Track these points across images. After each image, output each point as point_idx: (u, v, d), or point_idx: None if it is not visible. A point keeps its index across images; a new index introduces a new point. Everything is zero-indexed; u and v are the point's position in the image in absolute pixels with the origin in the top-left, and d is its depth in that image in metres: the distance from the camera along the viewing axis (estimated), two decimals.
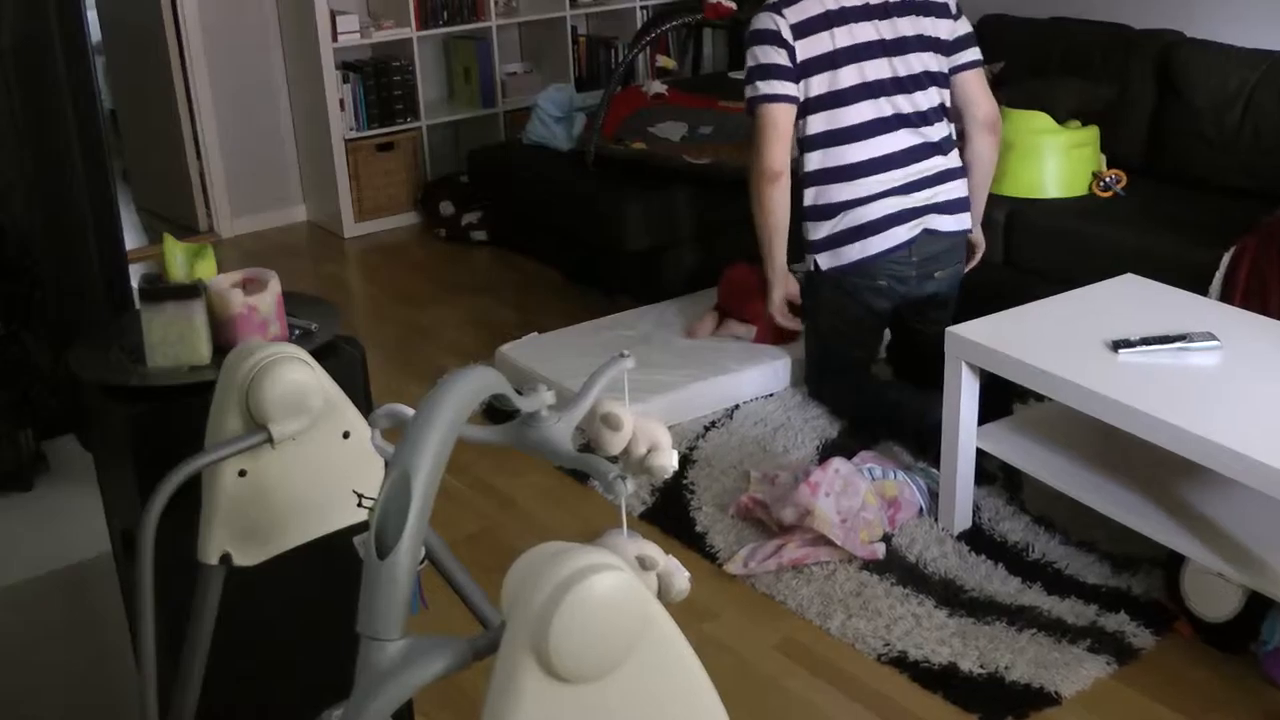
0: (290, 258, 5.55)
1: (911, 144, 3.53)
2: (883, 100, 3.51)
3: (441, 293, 5.07)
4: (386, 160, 5.83)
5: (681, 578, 1.39)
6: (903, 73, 3.51)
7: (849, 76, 3.49)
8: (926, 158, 3.55)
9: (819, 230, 3.58)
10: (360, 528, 1.76)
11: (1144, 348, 2.85)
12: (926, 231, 3.55)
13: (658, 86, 5.19)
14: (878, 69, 3.50)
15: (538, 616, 1.07)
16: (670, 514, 3.31)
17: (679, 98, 5.21)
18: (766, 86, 3.50)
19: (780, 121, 3.51)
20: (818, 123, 3.52)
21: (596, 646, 1.08)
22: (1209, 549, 2.66)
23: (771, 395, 3.94)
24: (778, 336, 4.09)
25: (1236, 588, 2.61)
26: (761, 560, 3.04)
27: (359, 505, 1.76)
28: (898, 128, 3.52)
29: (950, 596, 2.92)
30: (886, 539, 3.13)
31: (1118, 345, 2.87)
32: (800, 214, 3.63)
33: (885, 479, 3.23)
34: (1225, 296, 3.52)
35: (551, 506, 3.41)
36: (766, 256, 3.68)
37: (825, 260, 3.60)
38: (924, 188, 3.55)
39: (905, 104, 3.52)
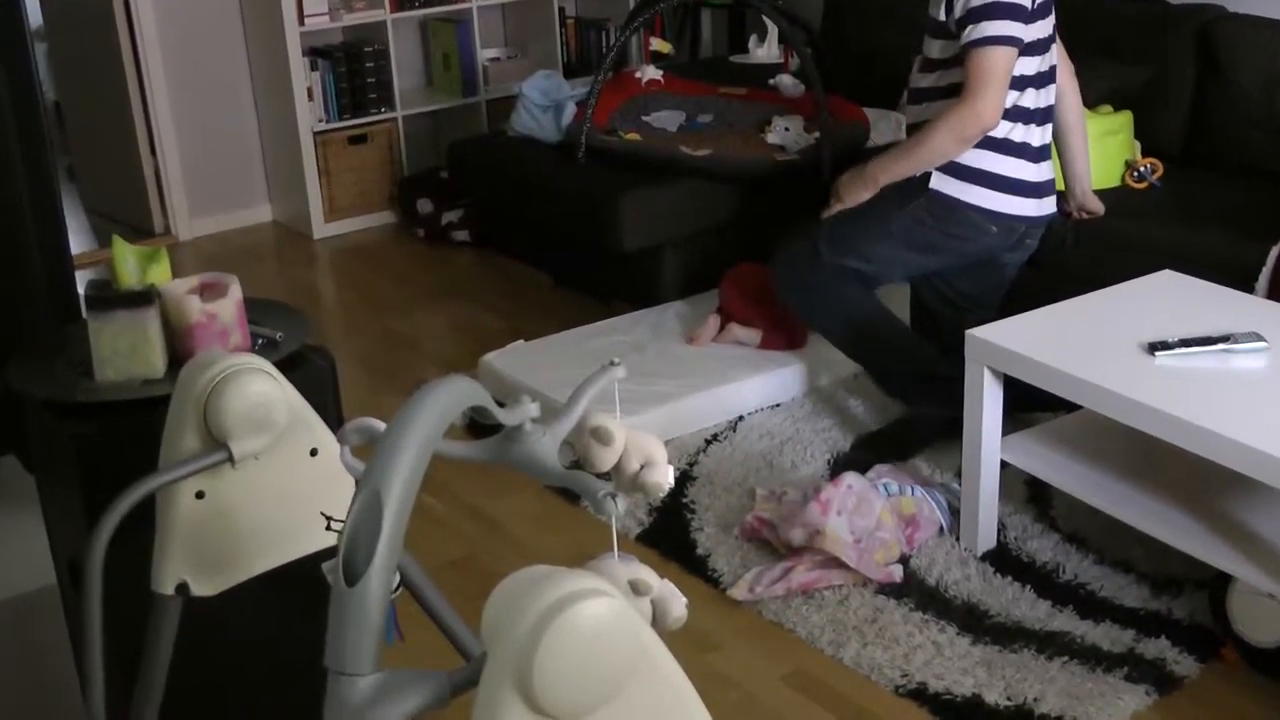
0: (255, 261, 5.55)
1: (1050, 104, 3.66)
2: (1048, 55, 3.60)
3: (420, 298, 5.06)
4: (359, 154, 5.83)
5: (678, 604, 1.39)
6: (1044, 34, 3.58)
7: (1042, 28, 3.55)
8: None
9: (976, 159, 3.57)
10: (330, 553, 1.76)
11: (1183, 350, 2.85)
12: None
13: (652, 72, 5.19)
14: (1047, 25, 3.58)
15: (521, 648, 1.07)
16: (669, 535, 3.31)
17: (676, 84, 5.21)
18: (1006, 27, 3.44)
19: (1009, 69, 3.48)
20: (1026, 65, 3.53)
21: (585, 680, 1.08)
22: (1258, 568, 2.65)
23: (778, 406, 3.93)
24: (785, 342, 4.09)
25: None
26: (768, 585, 3.04)
27: (328, 528, 1.76)
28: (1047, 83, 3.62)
29: (974, 622, 2.92)
30: (904, 560, 3.13)
31: (1154, 347, 2.87)
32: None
33: (902, 495, 3.23)
34: (1274, 294, 3.52)
35: (541, 529, 3.40)
36: (892, 169, 3.63)
37: (956, 189, 3.58)
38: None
39: (1046, 64, 3.61)
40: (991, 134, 3.49)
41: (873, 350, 3.75)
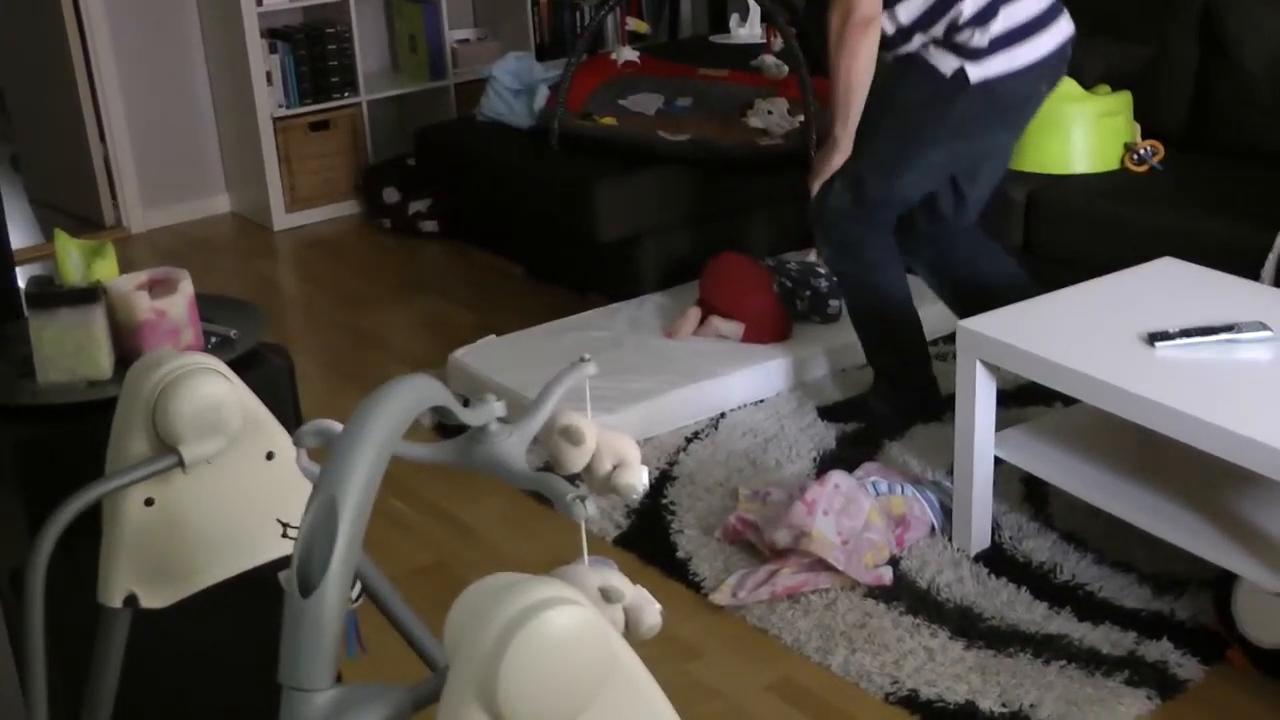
0: (212, 255, 5.53)
1: None
2: None
3: (386, 292, 5.05)
4: (321, 141, 5.81)
5: (652, 611, 1.39)
6: None
7: None
8: None
9: (978, 37, 3.49)
10: (287, 562, 1.76)
11: (1185, 340, 2.86)
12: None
13: (629, 53, 5.19)
14: None
15: (484, 660, 1.07)
16: (648, 539, 3.31)
17: (653, 66, 5.21)
18: None
19: None
20: None
21: (552, 693, 1.08)
22: (1264, 566, 2.66)
23: (762, 402, 3.94)
24: (769, 335, 4.09)
25: None
26: (752, 589, 3.04)
27: (284, 536, 1.76)
28: None
29: (967, 626, 2.92)
30: (894, 562, 3.13)
31: (1154, 338, 2.88)
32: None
33: (892, 494, 3.23)
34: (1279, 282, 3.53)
35: (514, 534, 3.40)
36: (842, 117, 3.59)
37: (997, 66, 3.50)
38: None
39: None
40: None
41: (880, 331, 3.77)
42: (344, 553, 1.17)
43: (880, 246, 3.70)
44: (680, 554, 3.24)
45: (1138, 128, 4.36)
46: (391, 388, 1.26)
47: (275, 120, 5.65)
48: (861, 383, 3.96)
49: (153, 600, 1.70)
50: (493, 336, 4.23)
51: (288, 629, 1.16)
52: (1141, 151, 4.27)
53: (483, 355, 4.09)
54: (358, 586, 1.81)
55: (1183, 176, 4.19)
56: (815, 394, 3.97)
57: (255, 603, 1.86)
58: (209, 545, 1.71)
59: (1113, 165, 4.27)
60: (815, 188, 3.69)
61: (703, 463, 3.63)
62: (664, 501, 3.46)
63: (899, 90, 3.55)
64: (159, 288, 2.05)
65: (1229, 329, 2.87)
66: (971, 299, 3.65)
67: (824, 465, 3.55)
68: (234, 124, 5.77)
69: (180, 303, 2.05)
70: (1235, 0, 4.36)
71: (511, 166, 4.82)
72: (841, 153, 3.63)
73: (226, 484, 1.71)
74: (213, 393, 1.65)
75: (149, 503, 1.67)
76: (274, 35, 5.65)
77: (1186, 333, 2.88)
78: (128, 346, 2.02)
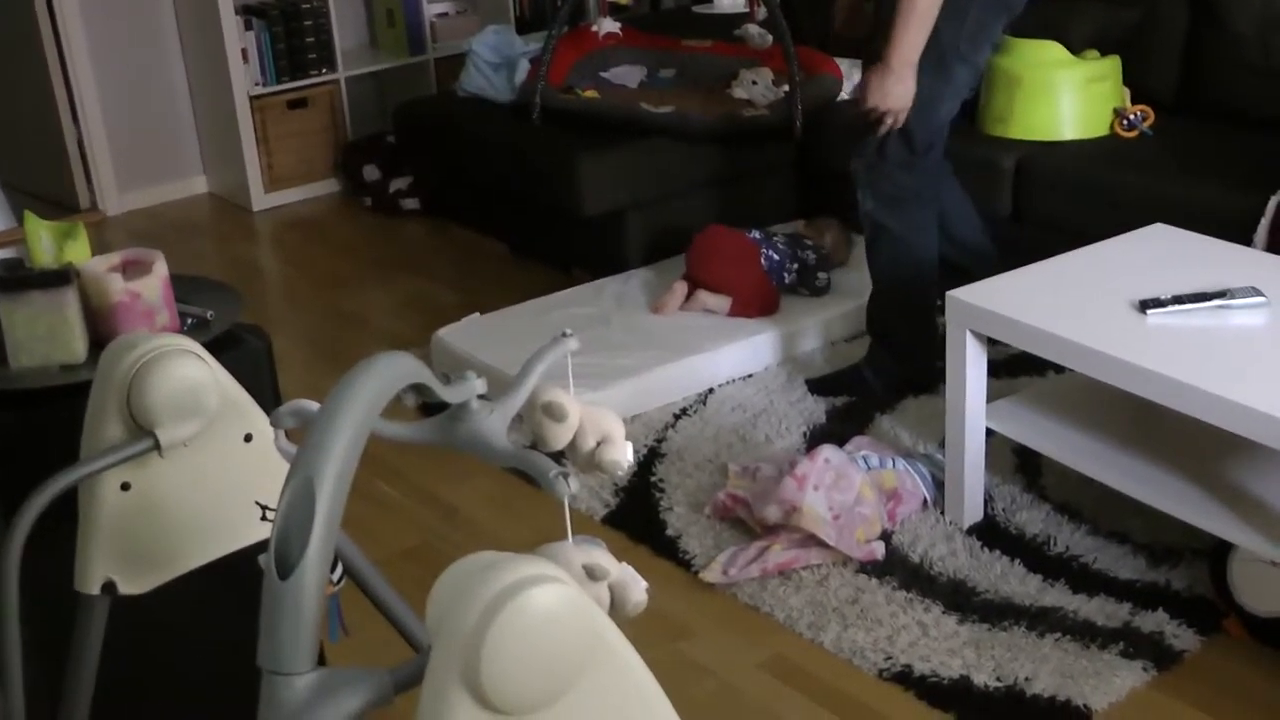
0: (190, 237, 5.51)
1: None
2: None
3: (368, 272, 5.04)
4: (299, 119, 5.79)
5: (638, 589, 1.38)
6: None
7: None
8: None
9: None
10: (267, 545, 1.75)
11: (1177, 307, 2.86)
12: None
13: (610, 25, 5.17)
14: None
15: (467, 640, 1.06)
16: (637, 517, 3.31)
17: (636, 37, 5.19)
18: None
19: None
20: None
21: (536, 673, 1.07)
22: (1260, 534, 2.66)
23: (751, 377, 3.94)
24: (757, 308, 4.08)
25: None
26: (743, 566, 3.04)
27: (264, 519, 1.75)
28: None
29: (961, 600, 2.93)
30: (886, 537, 3.14)
31: (1146, 305, 2.88)
32: None
33: (883, 469, 3.23)
34: (1273, 246, 3.53)
35: (502, 515, 3.40)
36: (898, 41, 3.45)
37: None
38: None
39: None
40: None
41: (900, 295, 3.75)
42: (322, 534, 1.17)
43: (930, 201, 3.70)
44: (670, 532, 3.24)
45: (1127, 92, 4.35)
46: (368, 365, 1.26)
47: (252, 99, 5.63)
48: (851, 356, 3.96)
49: (131, 586, 1.69)
50: (476, 315, 4.22)
51: (266, 612, 1.16)
52: (1131, 117, 4.26)
53: (466, 334, 4.08)
54: (339, 569, 1.81)
55: (1173, 142, 4.19)
56: (804, 368, 3.97)
57: (236, 587, 1.86)
58: (187, 530, 1.70)
59: (1102, 131, 4.27)
60: (888, 127, 3.57)
61: (691, 439, 3.63)
62: (652, 479, 3.45)
63: None
64: (133, 269, 2.04)
65: (1221, 295, 2.87)
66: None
67: (814, 440, 3.55)
68: (209, 103, 5.75)
69: (155, 284, 2.04)
70: None
71: (493, 142, 4.80)
72: (897, 78, 3.49)
73: (204, 467, 1.71)
74: (189, 375, 1.64)
75: (125, 487, 1.66)
76: (249, 12, 5.63)
77: (1179, 299, 2.88)
78: (102, 329, 2.01)
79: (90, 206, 5.75)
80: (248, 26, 5.60)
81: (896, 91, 3.49)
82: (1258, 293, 2.87)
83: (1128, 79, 4.36)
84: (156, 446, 1.64)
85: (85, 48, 5.55)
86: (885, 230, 3.70)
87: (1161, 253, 3.18)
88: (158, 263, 2.06)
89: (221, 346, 2.06)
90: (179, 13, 5.71)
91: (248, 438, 1.75)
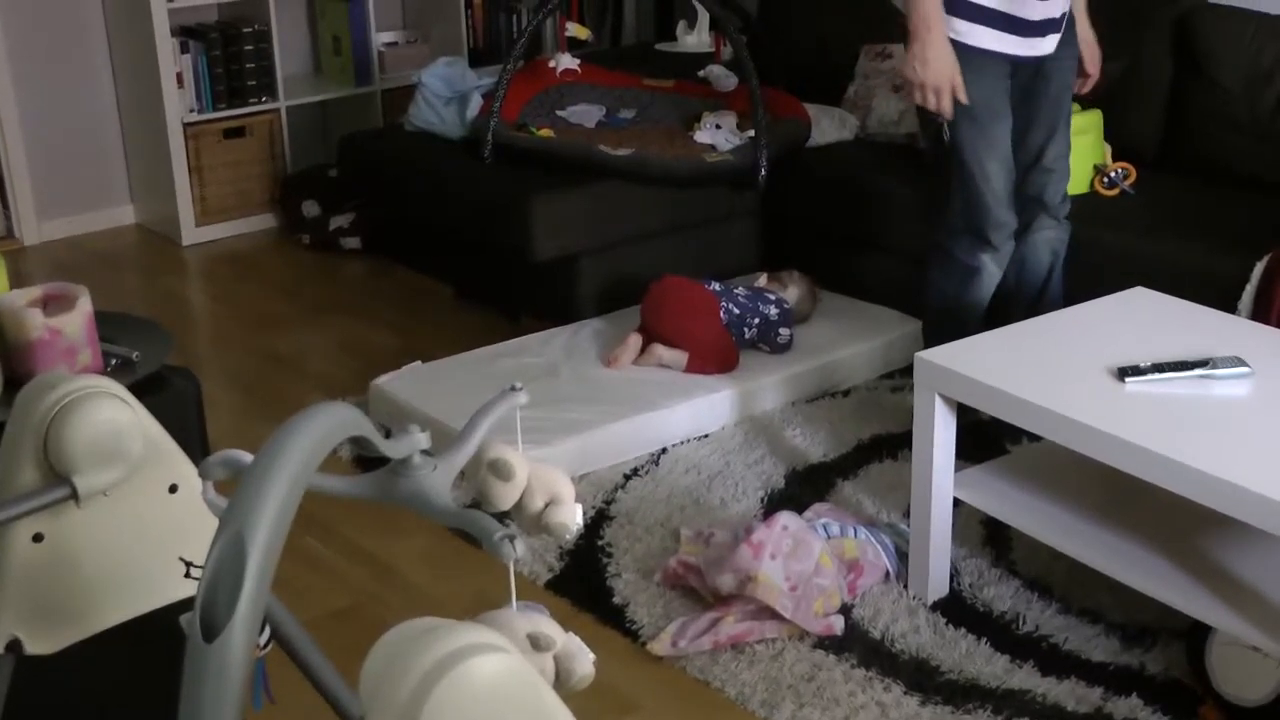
0: (114, 270, 5.49)
1: None
2: None
3: (305, 313, 5.03)
4: (236, 149, 5.78)
5: (585, 660, 1.39)
6: None
7: None
8: None
9: None
10: (190, 604, 1.74)
11: (1157, 375, 2.88)
12: None
13: (569, 61, 5.20)
14: None
15: (402, 712, 1.06)
16: (582, 582, 3.30)
17: (595, 74, 5.22)
18: None
19: None
20: None
21: None
22: (1240, 617, 2.68)
23: (706, 436, 3.94)
24: (714, 364, 4.09)
25: (1275, 663, 2.64)
26: (694, 638, 3.04)
27: (187, 575, 1.74)
28: None
29: (923, 680, 2.93)
30: (845, 610, 3.14)
31: (1125, 373, 2.90)
32: None
33: (844, 537, 3.23)
34: (1258, 314, 3.56)
35: (440, 575, 3.38)
36: (914, 5, 3.41)
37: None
38: None
39: None
40: None
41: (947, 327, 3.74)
42: (252, 594, 1.16)
43: (993, 276, 3.78)
44: (617, 599, 3.23)
45: (1108, 148, 4.40)
46: (306, 416, 1.26)
47: (186, 126, 5.61)
48: (814, 416, 3.97)
49: (39, 645, 1.68)
50: (418, 363, 4.22)
51: (189, 677, 1.16)
52: (1112, 174, 4.31)
53: (407, 382, 4.07)
54: (267, 631, 1.79)
55: (1156, 200, 4.23)
56: (763, 429, 3.98)
57: (154, 649, 1.84)
58: (103, 586, 1.69)
59: (1081, 188, 4.31)
60: (932, 102, 3.50)
61: (642, 501, 3.63)
62: (600, 542, 3.45)
63: None
64: (54, 304, 2.03)
65: (1204, 364, 2.90)
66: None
67: (772, 505, 3.56)
68: (140, 129, 5.73)
69: (77, 320, 2.03)
70: (1211, 13, 4.41)
71: (441, 180, 4.81)
72: (924, 43, 3.43)
73: (124, 519, 1.69)
74: (111, 419, 1.63)
75: (38, 538, 1.65)
76: (186, 33, 5.62)
77: (1159, 367, 2.90)
78: (19, 367, 2.00)
79: (6, 234, 5.72)
80: (184, 49, 5.59)
81: (929, 57, 3.44)
82: (1242, 363, 2.90)
83: (1109, 134, 4.41)
84: (74, 495, 1.63)
85: (6, 65, 5.52)
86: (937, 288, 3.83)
87: (1142, 318, 3.21)
88: (81, 298, 2.06)
89: (147, 389, 2.05)
90: (110, 30, 5.70)
91: (173, 488, 1.74)
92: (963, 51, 3.48)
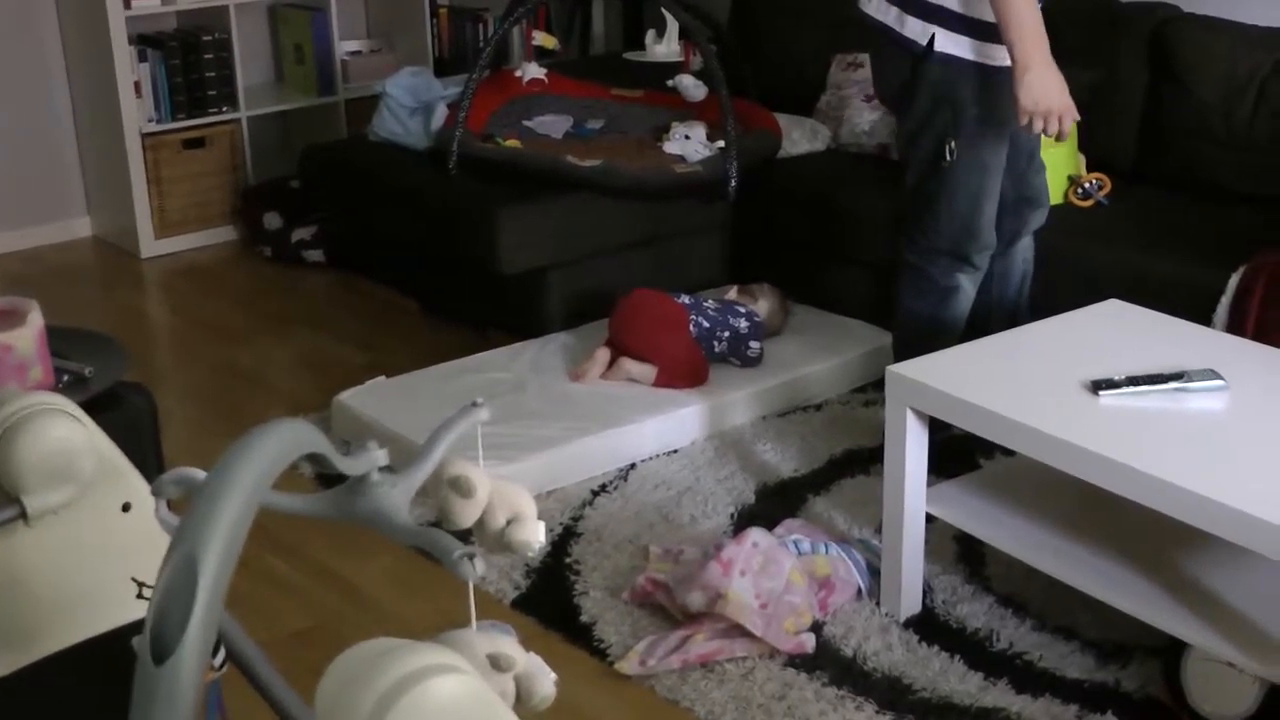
0: (70, 284, 5.46)
1: None
2: None
3: (266, 327, 5.01)
4: (196, 160, 5.77)
5: (546, 681, 1.38)
6: None
7: None
8: None
9: None
10: (143, 625, 1.73)
11: (1131, 389, 2.89)
12: None
13: (535, 70, 5.20)
14: None
15: None
16: (549, 601, 3.29)
17: (562, 84, 5.22)
18: None
19: None
20: None
21: None
22: (1216, 633, 2.69)
23: (675, 452, 3.94)
24: (684, 379, 4.09)
25: (1251, 680, 2.64)
26: (662, 657, 3.03)
27: (139, 596, 1.73)
28: None
29: (895, 699, 2.93)
30: (816, 628, 3.14)
31: (1099, 386, 2.91)
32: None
33: (815, 554, 3.24)
34: (1234, 327, 3.58)
35: (403, 594, 3.37)
36: (1018, 39, 3.41)
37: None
38: None
39: None
40: None
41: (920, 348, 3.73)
42: (203, 615, 1.15)
43: (969, 297, 3.79)
44: (584, 618, 3.23)
45: (1082, 159, 4.42)
46: (261, 433, 1.25)
47: (144, 136, 5.60)
48: (785, 431, 3.98)
49: None
50: (382, 378, 4.21)
51: (139, 700, 1.15)
52: (1086, 185, 4.33)
53: (370, 398, 4.06)
54: (222, 653, 1.78)
55: (1130, 212, 4.25)
56: (733, 444, 3.98)
57: (105, 672, 1.83)
58: (54, 607, 1.68)
59: (1056, 199, 4.32)
60: (1063, 125, 3.48)
61: (610, 518, 3.62)
62: (567, 560, 3.44)
63: None
64: (4, 319, 2.02)
65: (1178, 377, 2.91)
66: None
67: (742, 521, 3.56)
68: (97, 139, 5.71)
69: (28, 335, 2.02)
70: (1188, 23, 4.44)
71: (405, 191, 4.81)
72: (1036, 75, 3.42)
73: (75, 539, 1.69)
74: (62, 436, 1.63)
75: None
76: (144, 42, 5.61)
77: (1133, 381, 2.91)
78: None
79: None
80: (142, 58, 5.57)
81: (1042, 86, 3.43)
82: (1216, 376, 2.91)
83: (1084, 144, 4.43)
84: (22, 515, 1.62)
85: None
86: (912, 312, 3.80)
87: (1116, 330, 3.22)
88: (32, 313, 2.05)
89: (100, 406, 2.04)
90: (66, 38, 5.68)
91: (126, 507, 1.73)
92: (990, 74, 3.51)
